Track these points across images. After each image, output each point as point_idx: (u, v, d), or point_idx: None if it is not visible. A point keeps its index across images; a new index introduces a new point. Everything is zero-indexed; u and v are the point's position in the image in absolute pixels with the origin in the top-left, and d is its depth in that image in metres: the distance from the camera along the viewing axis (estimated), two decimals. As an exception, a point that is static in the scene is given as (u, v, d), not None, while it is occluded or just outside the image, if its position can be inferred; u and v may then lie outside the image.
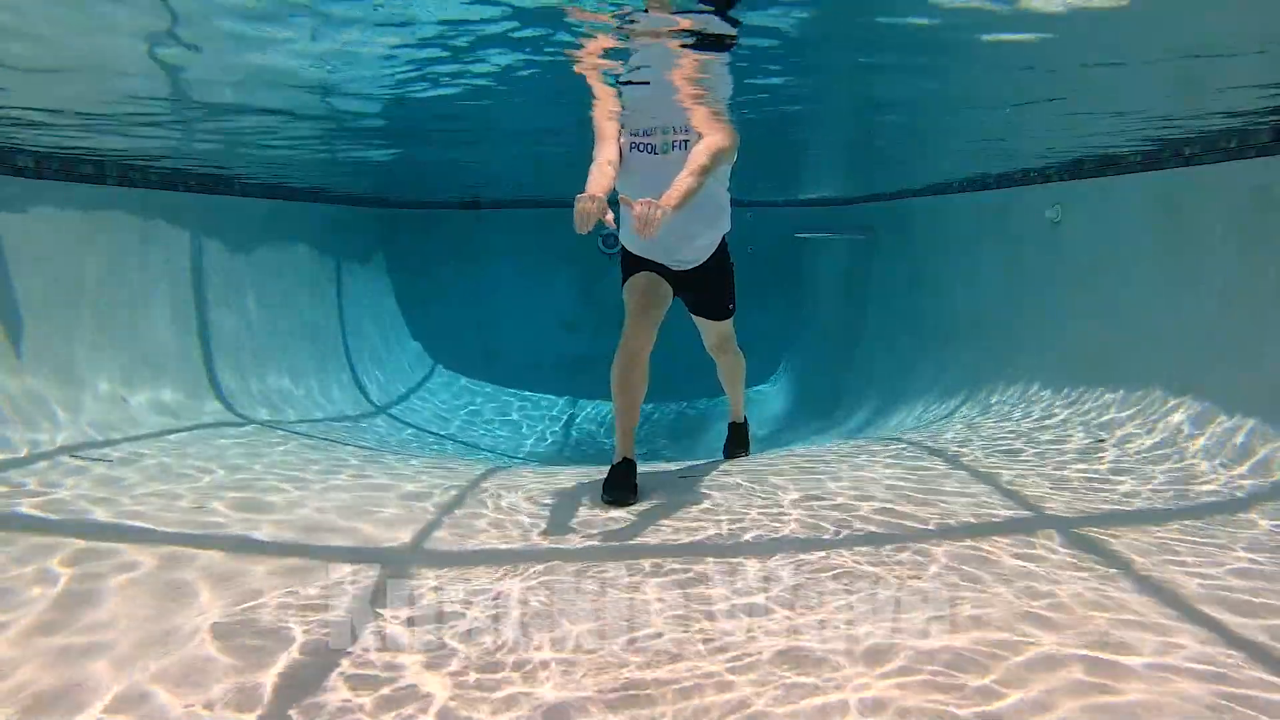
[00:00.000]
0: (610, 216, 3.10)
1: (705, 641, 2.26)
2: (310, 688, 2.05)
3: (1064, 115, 4.23)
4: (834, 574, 2.72)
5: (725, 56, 3.17)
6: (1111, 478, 3.85)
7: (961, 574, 2.69)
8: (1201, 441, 4.06)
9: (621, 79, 3.40)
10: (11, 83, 3.46)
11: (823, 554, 2.90)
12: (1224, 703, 1.91)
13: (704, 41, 2.92)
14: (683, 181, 3.25)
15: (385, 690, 2.03)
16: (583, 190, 3.09)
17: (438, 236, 11.59)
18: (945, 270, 7.71)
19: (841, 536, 3.11)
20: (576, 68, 3.26)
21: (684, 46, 2.96)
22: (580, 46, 3.00)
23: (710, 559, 2.89)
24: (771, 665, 2.12)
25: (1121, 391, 4.81)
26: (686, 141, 3.61)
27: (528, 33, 2.83)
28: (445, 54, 3.14)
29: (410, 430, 8.58)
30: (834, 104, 4.49)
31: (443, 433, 9.01)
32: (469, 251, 11.66)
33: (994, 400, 5.85)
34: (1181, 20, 2.70)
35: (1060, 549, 2.92)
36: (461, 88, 3.68)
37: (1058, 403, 5.21)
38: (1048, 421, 5.00)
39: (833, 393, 9.41)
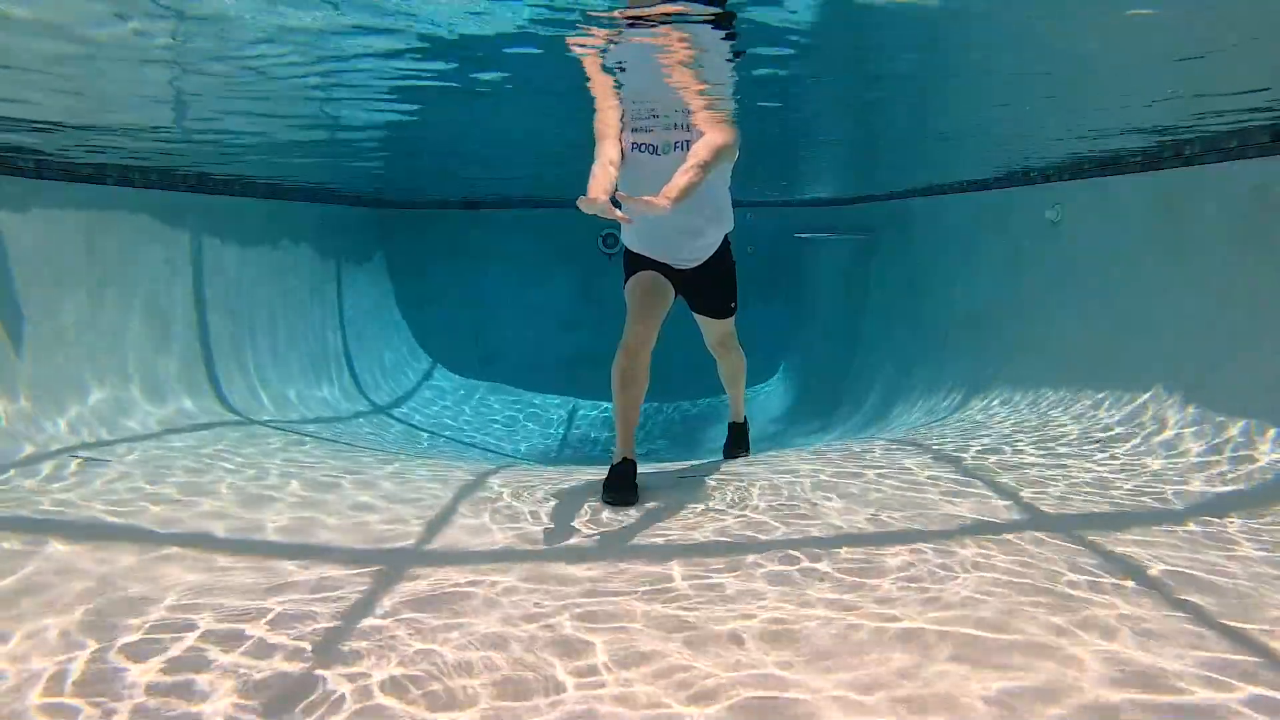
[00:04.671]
0: (619, 214, 3.10)
1: (705, 639, 2.26)
2: (306, 686, 2.05)
3: (1066, 113, 4.21)
4: (834, 574, 2.72)
5: (725, 50, 3.15)
6: (1111, 477, 3.85)
7: (961, 572, 2.69)
8: (1202, 440, 4.06)
9: (620, 75, 3.39)
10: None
11: (823, 554, 2.91)
12: (1221, 698, 1.91)
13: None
14: (683, 176, 3.24)
15: (376, 689, 2.03)
16: (584, 192, 3.10)
17: (437, 236, 11.60)
18: (945, 270, 7.71)
19: (841, 536, 3.12)
20: (582, 59, 3.25)
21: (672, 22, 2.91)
22: (582, 43, 2.99)
23: (710, 559, 2.89)
24: (771, 665, 2.12)
25: (1121, 391, 4.81)
26: (688, 142, 3.61)
27: (531, 28, 2.82)
28: (445, 51, 3.13)
29: (410, 430, 8.59)
30: (835, 102, 4.48)
31: (442, 433, 9.01)
32: (469, 251, 11.67)
33: (994, 400, 5.85)
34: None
35: (1060, 548, 2.92)
36: (462, 85, 3.67)
37: (1057, 402, 5.21)
38: (1047, 421, 5.00)
39: (833, 392, 9.42)
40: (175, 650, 2.23)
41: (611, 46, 3.01)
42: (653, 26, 2.87)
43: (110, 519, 3.37)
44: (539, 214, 11.33)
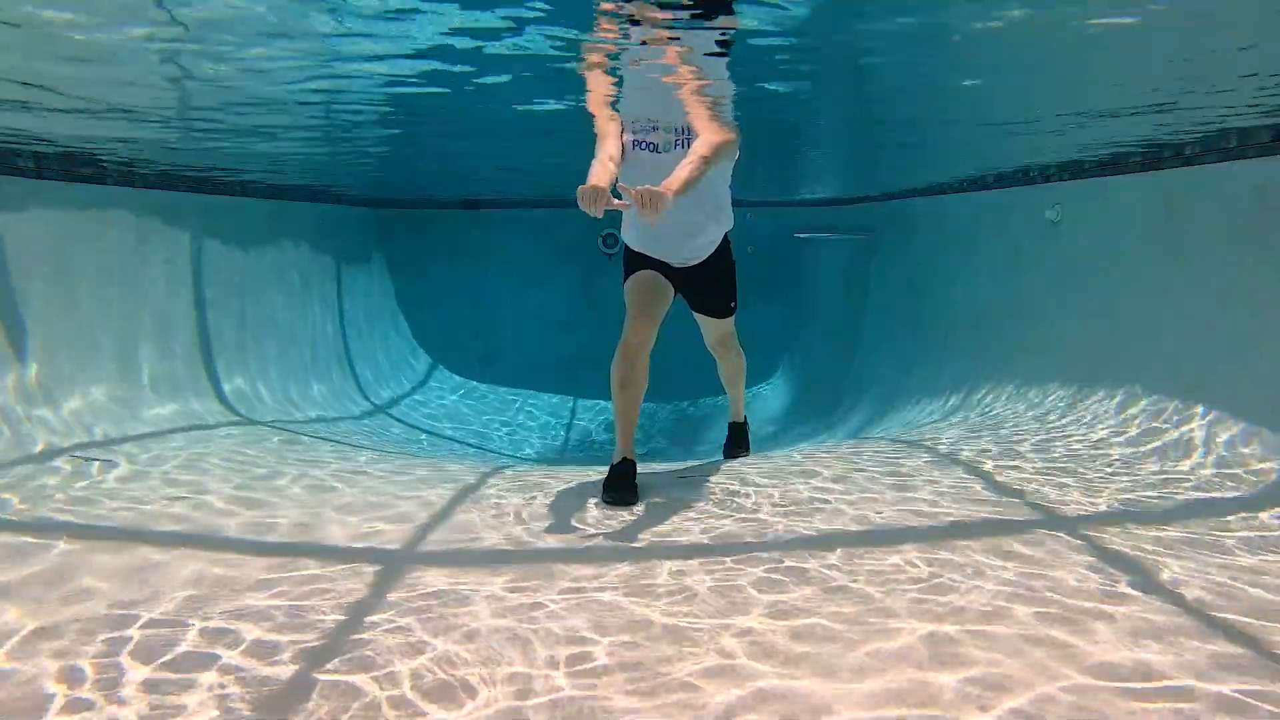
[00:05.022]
0: (618, 202, 3.11)
1: (705, 640, 2.27)
2: (302, 683, 2.05)
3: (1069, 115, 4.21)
4: (835, 573, 2.72)
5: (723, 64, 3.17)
6: (1111, 477, 3.85)
7: (960, 574, 2.69)
8: (1201, 441, 4.06)
9: (622, 77, 3.39)
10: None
11: (823, 554, 2.91)
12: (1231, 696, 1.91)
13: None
14: (684, 170, 3.25)
15: (377, 690, 2.03)
16: (584, 183, 3.11)
17: (437, 236, 11.60)
18: (945, 270, 7.71)
19: (843, 535, 3.12)
20: (580, 69, 3.26)
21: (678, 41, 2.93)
22: (583, 58, 3.00)
23: (710, 559, 2.89)
24: (770, 664, 2.12)
25: (1121, 391, 4.81)
26: (688, 140, 3.61)
27: (531, 28, 2.82)
28: (444, 50, 3.13)
29: (409, 430, 8.59)
30: (835, 101, 4.48)
31: (441, 433, 9.01)
32: (468, 251, 11.68)
33: (993, 400, 5.85)
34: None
35: (1059, 548, 2.92)
36: (461, 84, 3.67)
37: (1057, 402, 5.21)
38: (1047, 421, 5.00)
39: (833, 393, 9.42)
40: (180, 647, 2.24)
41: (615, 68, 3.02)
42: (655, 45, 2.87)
43: (110, 518, 3.37)
44: (539, 214, 11.34)
